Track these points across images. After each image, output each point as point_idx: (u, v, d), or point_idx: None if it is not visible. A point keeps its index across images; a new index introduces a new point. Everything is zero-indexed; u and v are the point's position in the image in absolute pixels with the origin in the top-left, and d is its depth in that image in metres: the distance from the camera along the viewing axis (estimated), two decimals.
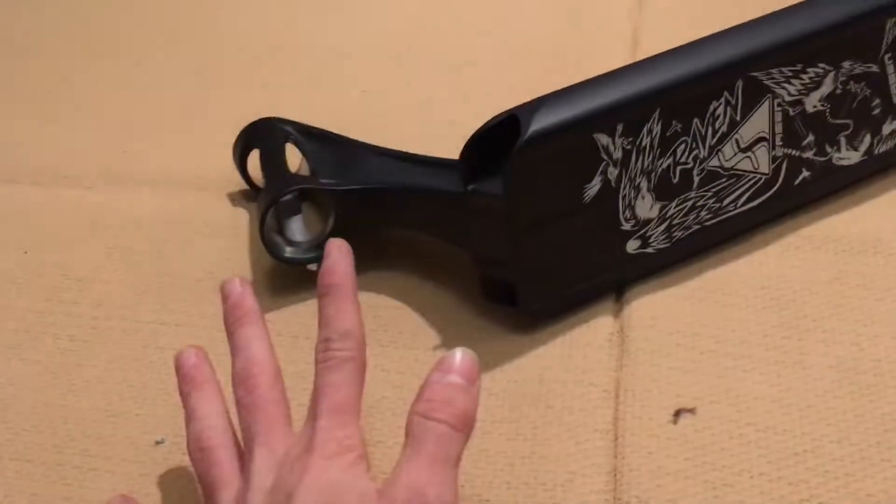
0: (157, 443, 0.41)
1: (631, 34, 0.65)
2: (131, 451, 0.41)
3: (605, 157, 0.42)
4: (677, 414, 0.40)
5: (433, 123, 0.59)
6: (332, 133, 0.52)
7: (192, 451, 0.37)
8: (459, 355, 0.35)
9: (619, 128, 0.41)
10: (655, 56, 0.42)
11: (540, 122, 0.40)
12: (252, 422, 0.36)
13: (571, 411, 0.41)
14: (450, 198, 0.43)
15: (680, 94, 0.42)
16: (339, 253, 0.38)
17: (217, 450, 0.36)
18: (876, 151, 0.50)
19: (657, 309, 0.45)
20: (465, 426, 0.34)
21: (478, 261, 0.44)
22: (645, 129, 0.42)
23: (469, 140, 0.41)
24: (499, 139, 0.41)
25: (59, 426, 0.43)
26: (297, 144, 0.52)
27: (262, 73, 0.65)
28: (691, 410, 0.40)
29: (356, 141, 0.51)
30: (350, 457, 0.33)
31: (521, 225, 0.42)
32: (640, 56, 0.61)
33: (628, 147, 0.42)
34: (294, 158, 0.53)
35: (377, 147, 0.50)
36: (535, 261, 0.43)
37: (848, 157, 0.49)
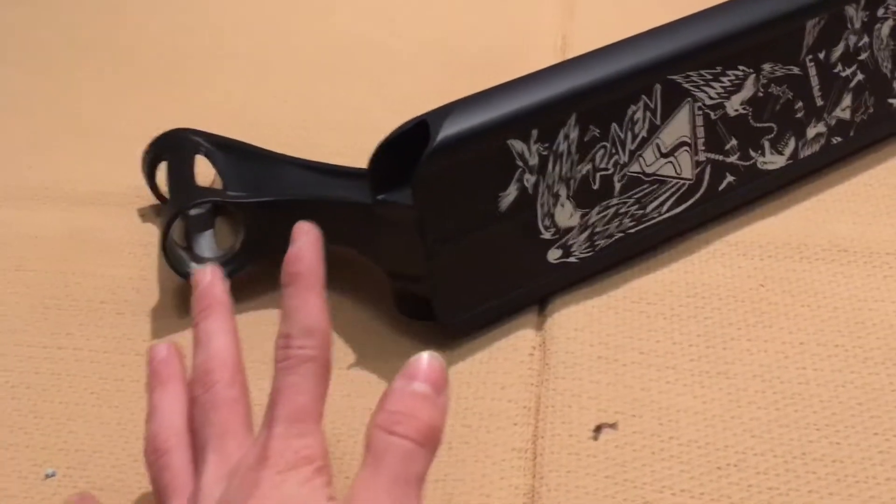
0: (48, 476, 0.38)
1: (561, 39, 0.64)
2: (19, 486, 0.38)
3: (521, 163, 0.40)
4: (598, 429, 0.39)
5: (358, 132, 0.56)
6: (246, 144, 0.50)
7: (147, 453, 0.34)
8: (426, 359, 0.32)
9: (535, 133, 0.40)
10: (572, 59, 0.41)
11: (450, 128, 0.38)
12: (206, 423, 0.33)
13: (489, 430, 0.39)
14: (359, 209, 0.41)
15: (596, 99, 0.41)
16: (306, 238, 0.34)
17: (171, 453, 0.33)
18: (801, 155, 0.49)
19: (580, 320, 0.44)
20: (430, 441, 0.30)
21: (391, 275, 0.43)
22: (561, 135, 0.41)
23: (377, 148, 0.39)
24: (411, 146, 0.40)
25: None
26: (208, 156, 0.49)
27: (179, 82, 0.62)
28: (612, 425, 0.39)
29: (271, 152, 0.49)
30: (307, 470, 0.30)
31: (434, 236, 0.40)
32: None
33: (545, 153, 0.41)
34: (209, 171, 0.51)
35: (293, 158, 0.48)
36: (451, 273, 0.41)
37: (773, 161, 0.48)
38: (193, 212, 0.48)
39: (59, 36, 0.68)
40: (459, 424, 0.39)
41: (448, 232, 0.40)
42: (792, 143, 0.49)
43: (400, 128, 0.39)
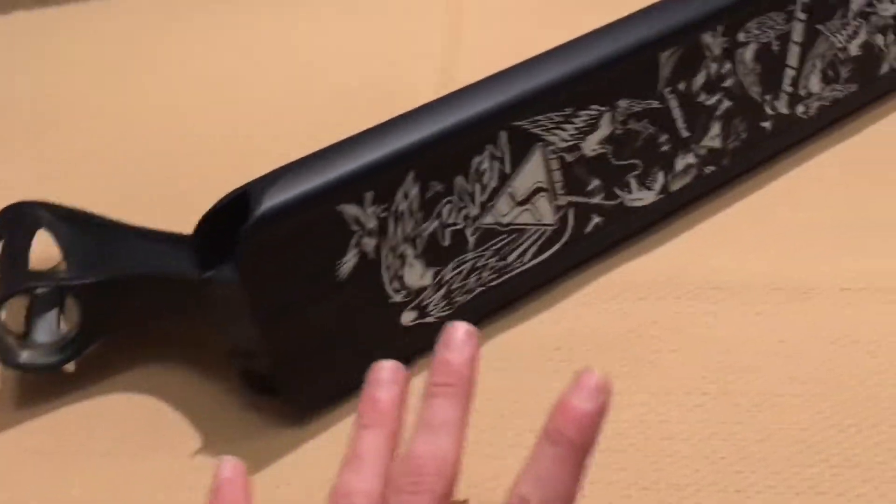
0: None
1: (446, 75, 0.61)
2: None
3: (357, 228, 0.38)
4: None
5: (223, 186, 0.54)
6: (90, 214, 0.47)
7: None
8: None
9: (369, 196, 0.38)
10: (405, 114, 0.39)
11: (273, 199, 0.36)
12: None
13: None
14: (188, 285, 0.38)
15: (433, 154, 0.39)
16: (586, 394, 0.30)
17: None
18: (672, 188, 0.47)
19: None
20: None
21: (231, 352, 0.40)
22: (399, 195, 0.39)
23: (201, 220, 0.37)
24: (240, 216, 0.37)
25: None
26: (51, 230, 0.46)
27: (17, 150, 0.58)
28: (464, 502, 0.37)
29: (115, 222, 0.46)
30: None
31: (270, 311, 0.37)
32: None
33: (383, 215, 0.38)
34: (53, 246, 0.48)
35: (135, 228, 0.45)
36: (294, 348, 0.39)
37: (641, 197, 0.46)
38: (39, 291, 0.45)
39: None
40: None
41: (284, 305, 0.38)
42: (661, 178, 0.47)
43: (222, 199, 0.36)
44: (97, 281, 0.41)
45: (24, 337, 0.43)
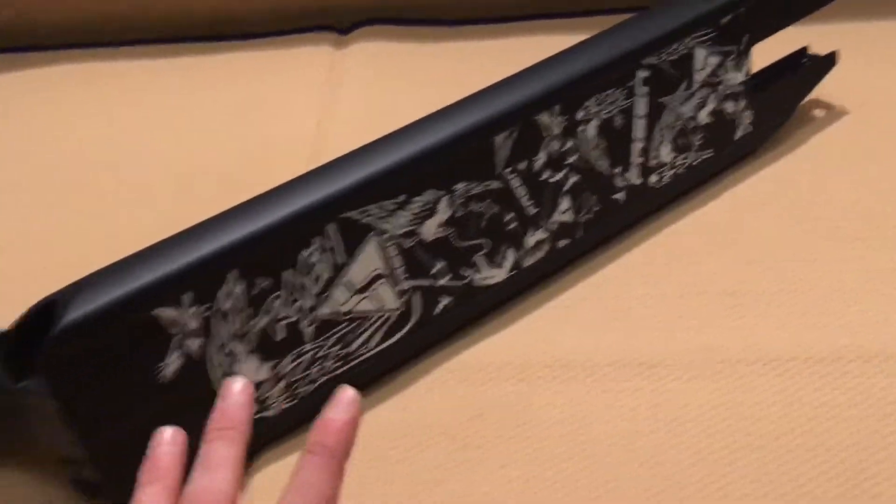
0: None
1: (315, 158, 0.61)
2: None
3: (177, 330, 0.38)
4: None
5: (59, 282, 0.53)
6: None
7: None
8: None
9: (187, 297, 0.37)
10: (225, 212, 0.39)
11: (79, 309, 0.35)
12: None
13: None
14: (4, 395, 0.37)
15: (256, 251, 0.38)
16: (342, 407, 0.34)
17: None
18: (524, 264, 0.47)
19: (285, 478, 0.41)
20: None
21: (60, 460, 0.39)
22: (221, 293, 0.38)
23: (8, 330, 0.36)
24: (46, 325, 0.36)
25: None
26: None
27: None
28: None
29: None
30: None
31: (88, 421, 0.36)
32: None
33: (206, 314, 0.38)
34: None
35: None
36: (119, 453, 0.37)
37: (492, 275, 0.46)
38: None
39: None
40: None
41: (104, 414, 0.37)
42: (511, 255, 0.47)
43: (28, 311, 0.36)
44: None
45: None
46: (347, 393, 0.35)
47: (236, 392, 0.36)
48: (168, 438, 0.35)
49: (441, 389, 0.44)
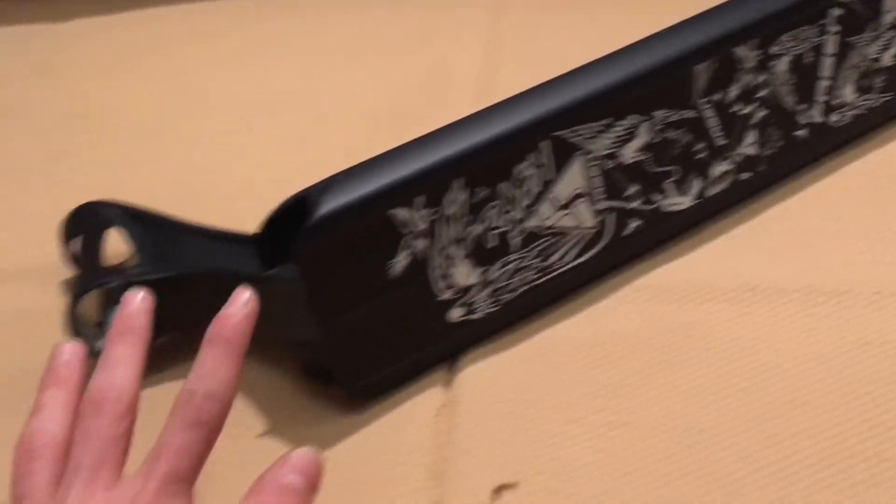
0: None
1: (484, 88, 0.64)
2: None
3: (407, 231, 0.41)
4: (498, 490, 0.39)
5: (266, 197, 0.57)
6: (158, 214, 0.51)
7: (19, 450, 0.34)
8: (302, 454, 0.34)
9: (420, 200, 0.41)
10: (451, 124, 0.42)
11: (329, 204, 0.39)
12: (86, 449, 0.34)
13: (391, 499, 0.39)
14: (252, 282, 0.41)
15: (478, 162, 0.41)
16: (243, 307, 0.36)
17: (42, 461, 0.34)
18: (707, 194, 0.49)
19: (488, 376, 0.44)
20: None
21: (292, 344, 0.43)
22: (447, 199, 0.41)
23: (264, 222, 0.40)
24: (299, 219, 0.40)
25: None
26: (121, 229, 0.50)
27: (95, 153, 0.63)
28: (513, 486, 0.39)
29: (182, 222, 0.50)
30: None
31: (328, 307, 0.40)
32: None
33: (433, 218, 0.41)
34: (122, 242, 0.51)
35: (201, 227, 0.49)
36: (350, 341, 0.42)
37: (678, 202, 0.49)
38: (113, 283, 0.49)
39: None
40: (368, 490, 0.40)
41: (340, 302, 0.41)
42: (697, 184, 0.49)
43: (283, 203, 0.40)
44: (167, 276, 0.45)
45: (98, 327, 0.47)
46: (244, 293, 0.36)
47: (137, 300, 0.38)
48: (68, 349, 0.37)
49: (630, 306, 0.47)
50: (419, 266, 0.42)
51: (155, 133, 0.64)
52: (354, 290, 0.41)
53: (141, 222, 0.50)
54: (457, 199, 0.41)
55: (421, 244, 0.41)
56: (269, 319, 0.43)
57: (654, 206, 0.48)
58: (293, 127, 0.63)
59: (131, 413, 0.35)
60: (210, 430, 0.34)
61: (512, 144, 0.41)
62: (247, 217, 0.53)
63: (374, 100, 0.64)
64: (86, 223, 0.50)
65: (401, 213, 0.40)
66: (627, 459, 0.40)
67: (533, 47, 0.67)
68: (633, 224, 0.47)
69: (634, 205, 0.47)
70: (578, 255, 0.46)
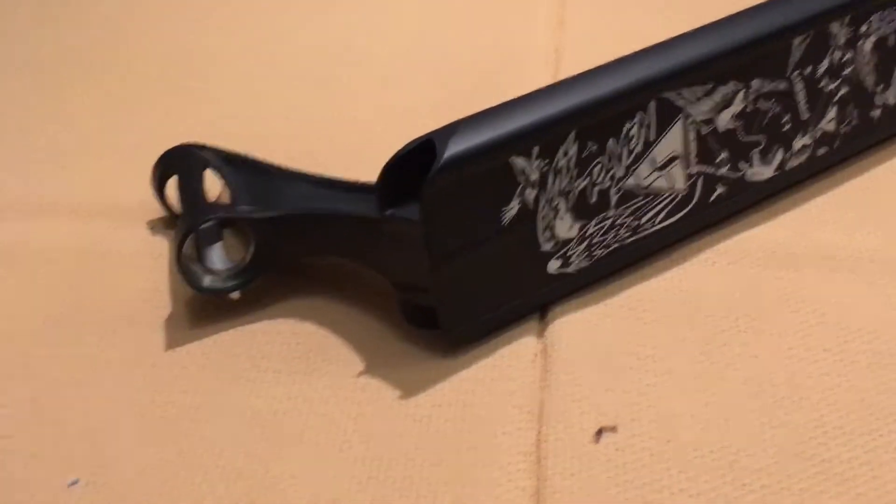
0: (71, 484, 0.39)
1: (553, 53, 0.66)
2: (44, 495, 0.39)
3: (522, 179, 0.42)
4: (599, 433, 0.41)
5: (357, 145, 0.59)
6: (253, 158, 0.52)
7: None
8: None
9: (536, 150, 0.42)
10: (570, 78, 0.43)
11: (455, 147, 0.40)
12: None
13: (495, 435, 0.41)
14: (367, 223, 0.43)
15: (594, 116, 0.43)
16: None
17: None
18: (787, 167, 0.51)
19: (580, 327, 0.46)
20: None
21: (398, 287, 0.44)
22: (561, 151, 0.43)
23: (386, 165, 0.41)
24: (417, 163, 0.41)
25: None
26: (216, 171, 0.51)
27: (182, 96, 0.64)
28: (613, 429, 0.41)
29: (277, 166, 0.51)
30: None
31: (440, 250, 0.41)
32: (562, 75, 0.63)
33: (545, 169, 0.42)
34: (216, 185, 0.52)
35: (298, 172, 0.50)
36: (455, 285, 0.43)
37: (761, 172, 0.50)
38: (203, 225, 0.50)
39: (62, 49, 0.69)
40: (467, 430, 0.41)
41: (453, 246, 0.42)
42: (779, 155, 0.51)
43: (407, 146, 0.41)
44: (276, 215, 0.45)
45: (200, 263, 0.47)
46: None
47: None
48: None
49: (713, 268, 0.48)
50: (528, 215, 0.43)
51: (245, 78, 0.65)
52: (467, 235, 0.42)
53: (234, 165, 0.51)
54: (568, 151, 0.43)
55: (531, 194, 0.43)
56: (377, 261, 0.44)
57: (740, 174, 0.49)
58: (374, 79, 0.64)
59: None
60: None
61: (626, 101, 0.43)
62: (329, 163, 0.54)
63: (450, 59, 0.66)
64: (181, 163, 0.51)
65: (519, 162, 0.41)
66: (722, 410, 0.42)
67: (598, 19, 0.69)
68: (719, 190, 0.49)
69: (722, 171, 0.49)
70: (667, 217, 0.48)
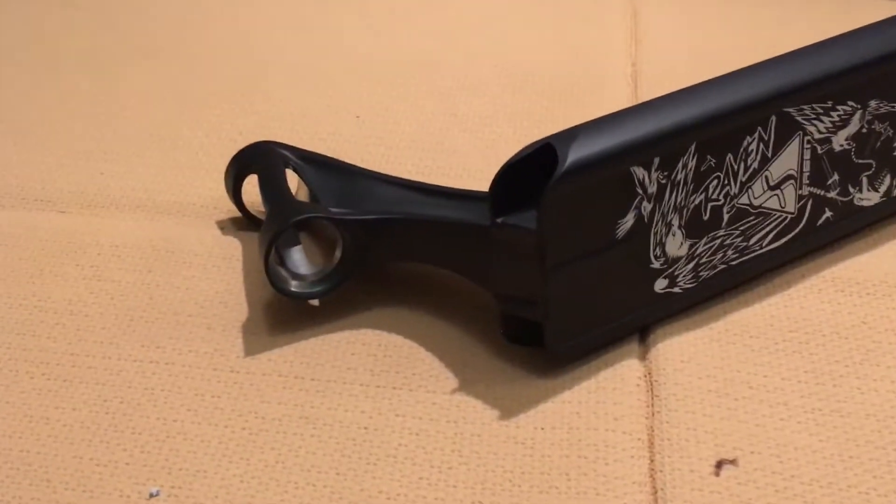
0: (152, 495, 0.36)
1: (631, 66, 0.64)
2: None
3: (641, 191, 0.40)
4: (719, 465, 0.38)
5: (429, 151, 0.56)
6: (331, 159, 0.49)
7: None
8: None
9: (656, 161, 0.39)
10: (690, 88, 0.41)
11: (578, 153, 0.37)
12: None
13: (606, 461, 0.38)
14: (475, 231, 0.40)
15: (716, 129, 0.40)
16: None
17: None
18: (894, 193, 0.49)
19: (685, 351, 0.43)
20: None
21: (502, 299, 0.42)
22: (680, 163, 0.40)
23: (500, 170, 0.38)
24: (526, 170, 0.39)
25: (39, 477, 0.38)
26: (296, 170, 0.48)
27: (250, 96, 0.61)
28: (733, 462, 0.38)
29: (358, 168, 0.48)
30: None
31: (552, 261, 0.39)
32: (640, 88, 0.61)
33: (663, 181, 0.40)
34: (291, 185, 0.50)
35: (381, 175, 0.48)
36: (564, 298, 0.40)
37: (868, 197, 0.48)
38: (321, 217, 0.46)
39: (135, 45, 0.67)
40: (575, 455, 0.38)
41: (566, 256, 0.39)
42: (887, 181, 0.48)
43: (522, 150, 0.38)
44: (373, 219, 0.43)
45: (282, 266, 0.45)
46: None
47: None
48: None
49: (820, 295, 0.46)
50: (643, 229, 0.40)
51: (316, 77, 0.63)
52: (581, 246, 0.39)
53: (316, 165, 0.49)
54: (688, 164, 0.40)
55: (647, 207, 0.40)
56: (480, 271, 0.42)
57: (849, 198, 0.47)
58: (450, 85, 0.62)
59: None
60: None
61: (750, 114, 0.41)
62: (403, 167, 0.52)
63: (526, 70, 0.64)
64: (261, 161, 0.48)
65: (639, 172, 0.39)
66: (843, 446, 0.39)
67: (672, 33, 0.67)
68: (827, 214, 0.47)
69: (832, 194, 0.46)
70: (775, 240, 0.45)
